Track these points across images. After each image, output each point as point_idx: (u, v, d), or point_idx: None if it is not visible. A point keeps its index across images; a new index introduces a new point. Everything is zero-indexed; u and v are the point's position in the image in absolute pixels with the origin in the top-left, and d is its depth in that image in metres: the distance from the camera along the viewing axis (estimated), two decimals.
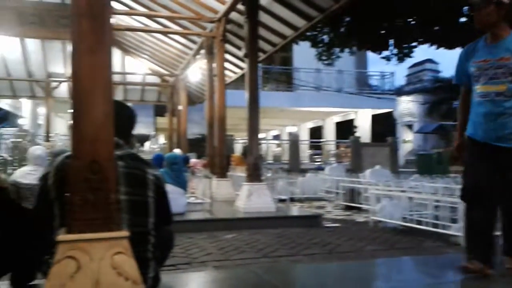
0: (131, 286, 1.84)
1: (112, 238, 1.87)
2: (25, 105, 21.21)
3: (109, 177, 1.91)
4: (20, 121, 24.14)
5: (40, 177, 2.43)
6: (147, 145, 15.28)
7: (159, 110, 20.47)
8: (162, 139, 16.65)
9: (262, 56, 9.00)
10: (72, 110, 1.94)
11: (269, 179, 8.68)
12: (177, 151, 10.81)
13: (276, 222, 6.15)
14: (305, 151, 20.97)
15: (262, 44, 8.44)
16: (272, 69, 22.82)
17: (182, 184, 6.81)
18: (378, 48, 13.62)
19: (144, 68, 15.09)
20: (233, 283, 2.77)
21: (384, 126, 24.13)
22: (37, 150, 5.74)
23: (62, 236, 1.83)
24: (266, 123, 22.94)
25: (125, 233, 1.90)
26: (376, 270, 3.51)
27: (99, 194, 1.89)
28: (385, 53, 13.88)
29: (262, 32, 8.11)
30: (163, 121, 19.41)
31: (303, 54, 18.48)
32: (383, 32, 13.09)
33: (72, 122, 1.93)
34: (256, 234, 5.44)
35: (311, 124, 26.73)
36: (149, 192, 2.32)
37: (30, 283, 2.57)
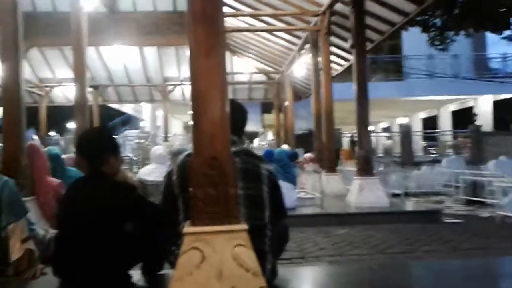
0: (251, 277, 1.91)
1: (232, 230, 1.96)
2: (145, 108, 23.02)
3: (227, 172, 2.00)
4: (141, 124, 26.29)
5: (165, 175, 2.62)
6: (255, 142, 15.68)
7: (266, 107, 20.88)
8: (270, 136, 16.96)
9: (369, 45, 8.72)
10: (191, 111, 2.07)
11: (381, 173, 8.40)
12: (284, 147, 10.93)
13: (391, 218, 5.93)
14: (418, 143, 19.91)
15: (369, 33, 8.18)
16: (380, 59, 22.01)
17: (291, 179, 6.88)
18: (498, 28, 12.42)
19: (250, 67, 15.50)
20: (348, 278, 2.73)
21: (509, 112, 21.97)
22: (158, 149, 6.20)
23: (187, 229, 1.96)
24: (375, 115, 22.13)
25: (244, 226, 1.97)
26: (508, 269, 3.21)
27: (219, 189, 1.99)
28: (507, 32, 12.61)
29: (369, 20, 7.86)
30: (270, 117, 19.77)
31: (413, 40, 17.56)
32: (503, 10, 11.91)
33: (192, 121, 2.06)
34: (369, 230, 5.31)
35: (424, 114, 25.28)
36: (263, 186, 2.39)
37: (159, 272, 2.78)
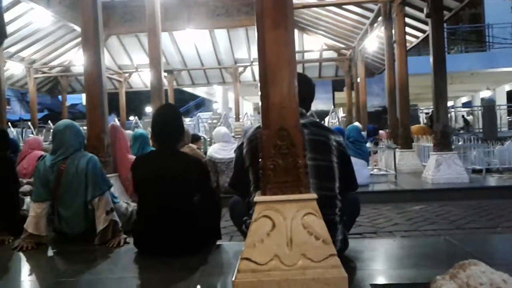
0: (321, 245, 1.93)
1: (302, 200, 1.99)
2: (217, 91, 23.51)
3: (296, 143, 2.02)
4: (214, 106, 26.93)
5: (236, 149, 2.70)
6: (326, 120, 15.50)
7: (337, 85, 20.54)
8: (341, 113, 16.66)
9: (447, 14, 8.22)
10: (260, 82, 2.11)
11: (460, 148, 7.99)
12: (356, 124, 10.72)
13: (470, 194, 5.65)
14: (502, 117, 18.60)
15: (446, 1, 7.71)
16: (460, 29, 20.68)
17: (363, 155, 6.75)
18: None
19: (320, 44, 15.23)
20: (424, 250, 2.66)
21: None
22: (222, 129, 6.41)
23: (258, 198, 2.02)
24: (454, 89, 21.00)
25: (314, 195, 1.99)
26: None
27: (288, 159, 2.02)
28: None
29: None
30: (341, 95, 19.40)
31: (496, 8, 16.27)
32: None
33: (260, 93, 2.09)
34: (447, 206, 5.10)
35: (509, 87, 23.52)
36: (333, 157, 2.39)
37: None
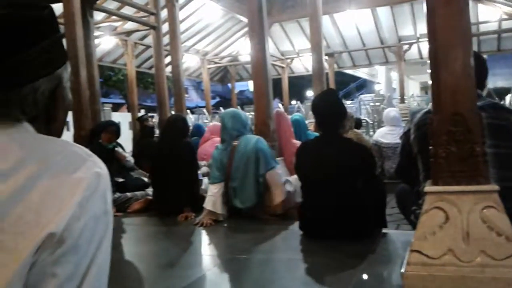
0: (504, 242, 1.75)
1: (480, 191, 1.82)
2: (380, 71, 22.70)
3: (472, 128, 1.85)
4: (376, 87, 26.14)
5: (402, 135, 2.59)
6: (507, 99, 13.75)
7: None
8: None
9: None
10: (430, 66, 1.97)
11: None
12: None
13: None
14: None
15: None
16: None
17: None
18: None
19: (498, 13, 13.52)
20: None
21: None
22: (391, 112, 6.12)
23: (429, 188, 1.91)
24: None
25: (495, 187, 1.81)
26: None
27: (464, 147, 1.86)
28: None
29: None
30: None
31: None
32: None
33: (431, 76, 1.95)
34: None
35: None
36: None
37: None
